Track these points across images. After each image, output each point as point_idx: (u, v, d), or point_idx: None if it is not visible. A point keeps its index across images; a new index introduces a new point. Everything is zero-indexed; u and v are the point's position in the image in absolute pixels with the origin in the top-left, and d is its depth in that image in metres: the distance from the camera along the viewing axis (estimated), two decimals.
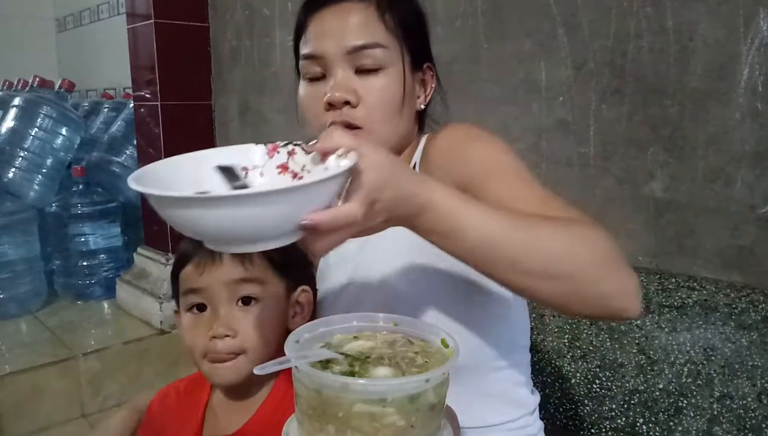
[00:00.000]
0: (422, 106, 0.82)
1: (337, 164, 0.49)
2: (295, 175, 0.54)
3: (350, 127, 0.73)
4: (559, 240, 0.56)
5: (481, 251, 0.55)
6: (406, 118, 0.78)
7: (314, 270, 0.90)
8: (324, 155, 0.51)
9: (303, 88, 0.79)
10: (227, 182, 0.53)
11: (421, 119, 0.85)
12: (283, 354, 0.51)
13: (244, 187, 0.53)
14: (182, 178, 0.51)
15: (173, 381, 0.90)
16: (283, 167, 0.55)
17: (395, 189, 0.50)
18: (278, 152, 0.56)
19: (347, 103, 0.73)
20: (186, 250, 0.77)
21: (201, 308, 0.76)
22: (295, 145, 0.55)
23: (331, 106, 0.74)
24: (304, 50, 0.77)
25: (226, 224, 0.43)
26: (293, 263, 0.80)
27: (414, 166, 0.80)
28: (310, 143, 0.53)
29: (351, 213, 0.47)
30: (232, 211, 0.42)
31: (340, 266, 0.84)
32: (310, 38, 0.76)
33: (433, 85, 0.83)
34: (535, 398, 0.86)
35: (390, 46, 0.74)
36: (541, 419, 0.88)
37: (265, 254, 0.75)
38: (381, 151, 0.51)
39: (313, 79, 0.77)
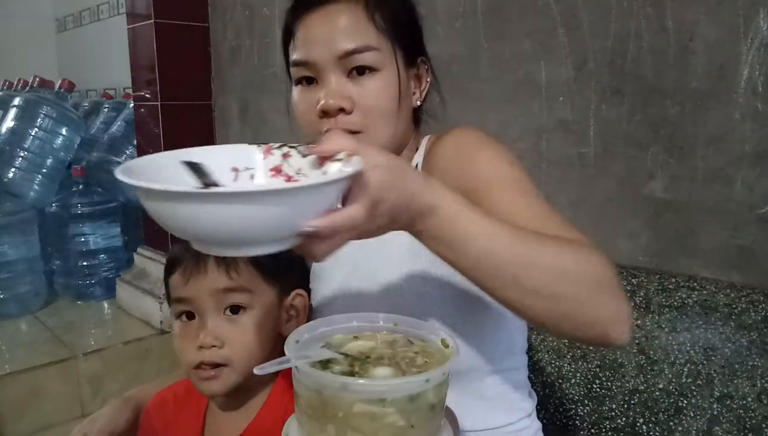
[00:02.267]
0: (418, 103, 0.80)
1: (339, 169, 0.47)
2: (289, 179, 0.52)
3: (349, 132, 0.71)
4: (563, 260, 0.54)
5: (484, 263, 0.53)
6: (403, 117, 0.77)
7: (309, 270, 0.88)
8: (323, 159, 0.50)
9: (296, 93, 0.77)
10: (196, 180, 0.51)
11: (417, 116, 0.83)
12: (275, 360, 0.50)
13: (214, 185, 0.51)
14: (168, 175, 0.49)
15: (170, 382, 0.90)
16: (277, 170, 0.53)
17: (401, 190, 0.48)
18: (272, 154, 0.54)
19: (342, 110, 0.71)
20: (174, 255, 0.76)
21: (190, 315, 0.76)
22: (291, 147, 0.54)
23: (325, 113, 0.72)
24: (293, 56, 0.75)
25: (220, 224, 0.40)
26: (285, 268, 0.78)
27: (416, 168, 0.78)
28: (309, 146, 0.51)
29: (353, 216, 0.45)
30: (229, 210, 0.40)
31: (336, 265, 0.82)
32: (299, 44, 0.74)
33: (428, 80, 0.81)
34: (533, 400, 0.86)
35: (382, 48, 0.72)
36: (541, 419, 0.88)
37: (253, 260, 0.74)
38: (385, 153, 0.50)
39: (306, 85, 0.75)
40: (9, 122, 2.16)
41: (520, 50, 1.21)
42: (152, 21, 1.93)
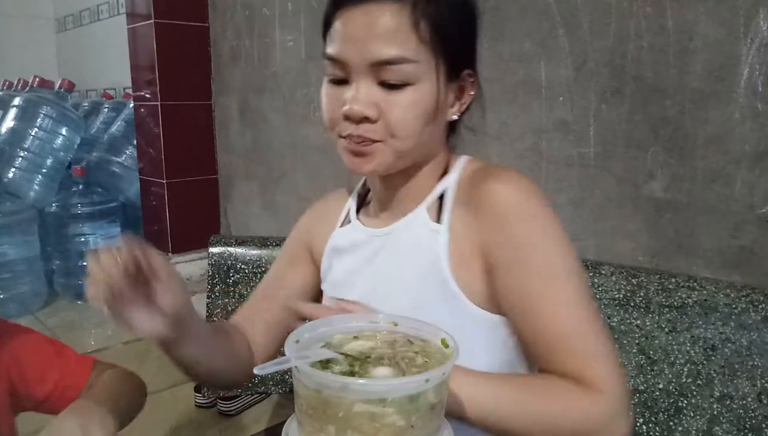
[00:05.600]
0: (455, 117, 0.74)
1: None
2: None
3: (366, 141, 0.68)
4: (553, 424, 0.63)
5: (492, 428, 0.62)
6: (434, 132, 0.72)
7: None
8: None
9: (324, 88, 0.72)
10: None
11: (451, 127, 0.78)
12: None
13: None
14: None
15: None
16: None
17: None
18: None
19: (366, 118, 0.67)
20: None
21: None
22: None
23: (348, 118, 0.67)
24: (327, 49, 0.69)
25: None
26: None
27: (444, 191, 0.74)
28: None
29: None
30: None
31: (355, 284, 0.79)
32: (335, 38, 0.68)
33: (472, 93, 0.75)
34: None
35: (421, 60, 0.66)
36: None
37: None
38: None
39: (335, 82, 0.70)
40: (9, 122, 2.16)
41: (520, 50, 1.21)
42: (152, 21, 1.93)
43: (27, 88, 2.53)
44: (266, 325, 0.87)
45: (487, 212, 0.69)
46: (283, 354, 0.51)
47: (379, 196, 0.81)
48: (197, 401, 1.61)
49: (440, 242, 0.71)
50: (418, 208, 0.75)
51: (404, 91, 0.66)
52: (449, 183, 0.75)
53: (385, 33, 0.65)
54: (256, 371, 0.50)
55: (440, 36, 0.67)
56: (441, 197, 0.75)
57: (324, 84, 0.72)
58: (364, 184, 0.87)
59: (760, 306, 0.90)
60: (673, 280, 0.99)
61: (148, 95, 2.02)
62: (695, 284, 0.97)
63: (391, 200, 0.79)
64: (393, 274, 0.75)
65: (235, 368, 0.81)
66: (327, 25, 0.71)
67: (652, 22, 1.03)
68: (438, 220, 0.73)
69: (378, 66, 0.65)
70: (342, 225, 0.85)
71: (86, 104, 2.70)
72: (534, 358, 0.70)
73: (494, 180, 0.70)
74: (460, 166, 0.76)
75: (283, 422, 0.55)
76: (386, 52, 0.65)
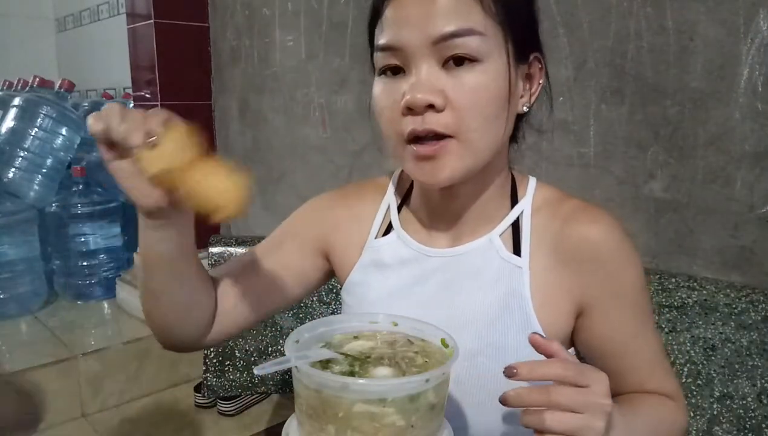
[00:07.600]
0: (525, 109, 0.67)
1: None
2: None
3: (437, 136, 0.60)
4: None
5: None
6: (506, 127, 0.64)
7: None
8: None
9: (378, 85, 0.64)
10: None
11: (515, 127, 0.70)
12: None
13: None
14: None
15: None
16: None
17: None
18: None
19: (432, 107, 0.59)
20: None
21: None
22: None
23: (410, 110, 0.59)
24: (379, 40, 0.62)
25: None
26: None
27: (518, 219, 0.69)
28: None
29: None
30: None
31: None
32: (388, 25, 0.61)
33: (541, 82, 0.67)
34: None
35: (488, 33, 0.59)
36: None
37: None
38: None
39: (391, 75, 0.62)
40: (9, 122, 2.16)
41: None
42: (152, 21, 1.93)
43: (27, 88, 2.53)
44: (247, 300, 0.75)
45: (585, 257, 0.66)
46: (282, 353, 0.51)
47: (435, 210, 0.72)
48: (197, 401, 1.61)
49: (523, 278, 0.67)
50: (491, 235, 0.69)
51: (472, 71, 0.59)
52: (523, 210, 0.70)
53: (446, 6, 0.58)
54: (256, 371, 0.50)
55: (506, 8, 0.60)
56: (513, 224, 0.70)
57: (375, 84, 0.65)
58: (400, 177, 0.79)
59: (760, 306, 0.90)
60: (673, 280, 0.99)
61: (148, 95, 2.02)
62: (695, 284, 0.97)
63: (452, 218, 0.71)
64: (462, 304, 0.68)
65: (190, 321, 0.71)
66: (375, 16, 0.64)
67: (652, 22, 1.03)
68: (516, 252, 0.68)
69: (441, 42, 0.58)
70: (380, 234, 0.75)
71: (86, 104, 2.69)
72: (621, 385, 0.71)
73: (591, 225, 0.67)
74: (530, 190, 0.71)
75: (283, 422, 0.55)
76: (449, 24, 0.58)
